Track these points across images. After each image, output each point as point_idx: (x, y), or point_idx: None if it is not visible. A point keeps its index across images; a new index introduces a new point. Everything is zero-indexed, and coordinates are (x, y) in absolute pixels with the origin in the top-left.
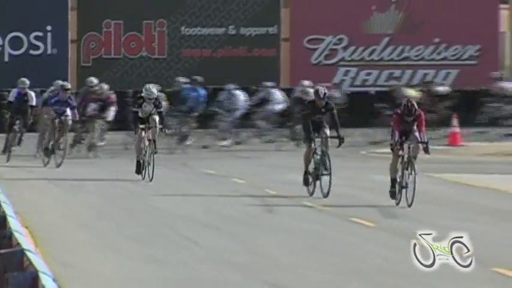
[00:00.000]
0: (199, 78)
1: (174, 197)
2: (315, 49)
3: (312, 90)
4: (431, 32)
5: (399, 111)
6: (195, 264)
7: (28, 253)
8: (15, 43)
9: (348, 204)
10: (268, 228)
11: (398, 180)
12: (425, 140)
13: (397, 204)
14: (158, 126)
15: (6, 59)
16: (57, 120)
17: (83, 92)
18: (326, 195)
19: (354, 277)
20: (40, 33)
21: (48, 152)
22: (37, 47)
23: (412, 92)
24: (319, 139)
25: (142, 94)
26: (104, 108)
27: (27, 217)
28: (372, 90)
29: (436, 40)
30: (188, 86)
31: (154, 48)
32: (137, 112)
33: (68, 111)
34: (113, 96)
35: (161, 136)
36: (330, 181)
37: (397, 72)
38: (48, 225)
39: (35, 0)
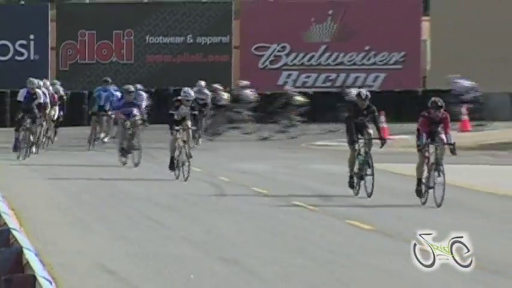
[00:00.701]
0: (109, 79)
1: (141, 184)
2: (262, 55)
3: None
4: (362, 41)
5: (426, 114)
6: (160, 241)
7: (14, 231)
8: (3, 50)
9: (291, 189)
10: (222, 210)
11: (424, 181)
12: (452, 142)
13: (424, 203)
14: (191, 128)
15: None
16: (127, 122)
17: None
18: (370, 195)
19: (297, 254)
20: (24, 42)
21: (124, 152)
22: (21, 54)
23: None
24: (362, 140)
25: (179, 97)
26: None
27: (13, 201)
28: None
29: (367, 48)
30: (99, 86)
31: (123, 55)
32: (173, 114)
33: (136, 112)
34: (56, 96)
35: (194, 137)
36: (372, 181)
37: (332, 76)
38: (32, 208)
39: (19, 13)
